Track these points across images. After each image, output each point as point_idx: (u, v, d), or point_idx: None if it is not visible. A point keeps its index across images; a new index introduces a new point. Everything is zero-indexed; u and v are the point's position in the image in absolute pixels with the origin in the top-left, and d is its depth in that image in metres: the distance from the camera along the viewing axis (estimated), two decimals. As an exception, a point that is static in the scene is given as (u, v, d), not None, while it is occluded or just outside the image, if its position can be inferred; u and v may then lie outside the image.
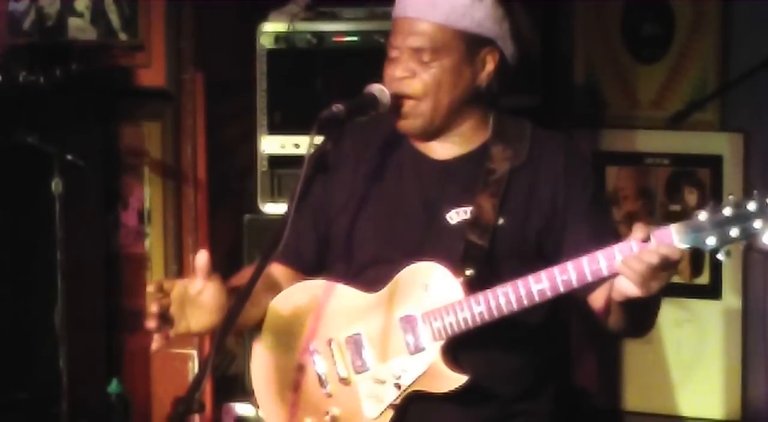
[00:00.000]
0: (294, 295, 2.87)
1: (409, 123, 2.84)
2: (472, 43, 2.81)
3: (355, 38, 4.25)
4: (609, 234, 2.76)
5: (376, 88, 2.82)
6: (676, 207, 4.54)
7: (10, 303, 4.52)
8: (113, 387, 4.71)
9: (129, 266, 4.99)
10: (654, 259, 2.55)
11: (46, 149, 4.27)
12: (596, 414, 4.64)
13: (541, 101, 4.39)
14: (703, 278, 4.51)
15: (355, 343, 2.79)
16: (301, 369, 2.83)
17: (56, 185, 4.25)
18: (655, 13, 4.55)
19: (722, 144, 4.47)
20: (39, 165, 4.29)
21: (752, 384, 4.47)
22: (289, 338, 2.85)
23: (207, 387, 4.72)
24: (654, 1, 4.54)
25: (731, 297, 4.48)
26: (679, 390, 4.56)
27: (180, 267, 4.90)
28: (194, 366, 4.88)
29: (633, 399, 4.63)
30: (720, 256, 2.55)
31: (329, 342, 2.81)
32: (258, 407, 2.92)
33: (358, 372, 2.79)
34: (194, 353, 4.89)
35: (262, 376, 2.89)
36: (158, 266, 4.94)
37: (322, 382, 2.81)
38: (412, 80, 2.81)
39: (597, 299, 2.80)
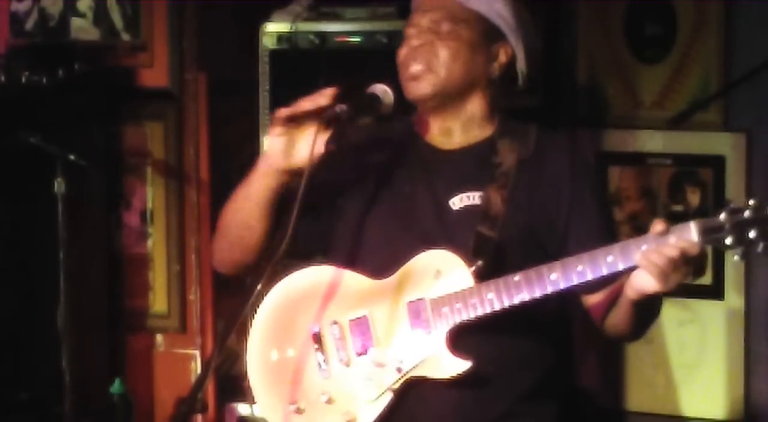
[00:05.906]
0: (297, 280, 2.87)
1: (421, 87, 2.86)
2: (488, 32, 2.87)
3: (357, 39, 4.25)
4: (610, 235, 2.79)
5: (379, 89, 2.82)
6: (678, 207, 4.54)
7: (12, 303, 4.52)
8: (116, 387, 4.71)
9: (131, 266, 4.98)
10: (674, 252, 2.56)
11: (48, 149, 4.27)
12: (598, 414, 4.63)
13: (543, 101, 4.39)
14: (706, 279, 4.48)
15: (359, 326, 2.79)
16: (299, 349, 2.82)
17: (59, 186, 4.26)
18: (657, 14, 4.54)
19: (725, 144, 4.46)
20: (41, 165, 4.29)
21: (755, 384, 4.47)
22: (289, 320, 2.84)
23: (210, 387, 4.72)
24: (657, 2, 4.54)
25: (734, 297, 4.47)
26: (681, 391, 4.56)
27: (183, 268, 4.90)
28: (197, 366, 4.89)
29: (635, 399, 4.63)
30: (735, 256, 2.57)
31: (332, 324, 2.80)
32: (250, 388, 2.86)
33: (359, 355, 2.79)
34: (197, 353, 4.90)
35: (258, 358, 2.86)
36: (161, 267, 4.94)
37: (320, 363, 2.80)
38: (429, 48, 2.84)
39: (593, 298, 2.82)
